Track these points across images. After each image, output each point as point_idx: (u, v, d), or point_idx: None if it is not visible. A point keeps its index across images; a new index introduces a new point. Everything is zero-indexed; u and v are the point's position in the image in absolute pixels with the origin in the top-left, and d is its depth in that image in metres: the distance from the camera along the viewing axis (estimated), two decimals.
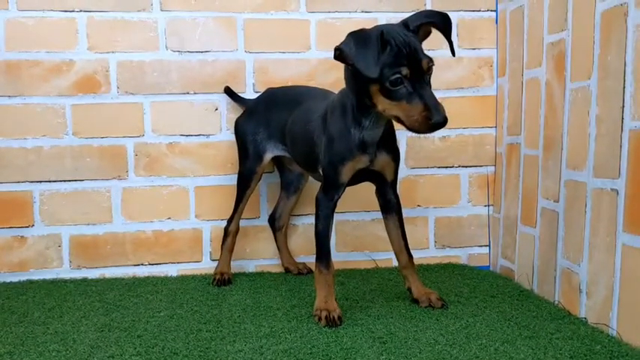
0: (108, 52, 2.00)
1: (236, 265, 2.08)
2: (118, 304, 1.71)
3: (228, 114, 2.06)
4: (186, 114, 2.05)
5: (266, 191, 2.11)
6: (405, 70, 1.35)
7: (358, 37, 1.39)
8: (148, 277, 2.02)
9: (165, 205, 2.06)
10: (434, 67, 1.40)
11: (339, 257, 2.14)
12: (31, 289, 1.87)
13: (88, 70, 1.99)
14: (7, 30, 1.95)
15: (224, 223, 2.05)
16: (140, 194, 2.04)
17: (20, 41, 1.96)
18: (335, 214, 2.15)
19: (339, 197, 1.61)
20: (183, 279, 2.00)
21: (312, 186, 2.04)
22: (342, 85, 2.11)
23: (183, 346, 1.35)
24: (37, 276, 1.99)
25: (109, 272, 2.03)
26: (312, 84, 2.10)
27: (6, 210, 1.97)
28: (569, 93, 1.67)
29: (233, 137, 2.05)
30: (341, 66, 2.09)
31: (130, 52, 2.01)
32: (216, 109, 2.06)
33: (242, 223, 2.05)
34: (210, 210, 2.08)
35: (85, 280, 1.98)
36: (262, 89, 2.06)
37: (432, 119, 1.33)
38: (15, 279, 1.97)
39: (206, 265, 2.09)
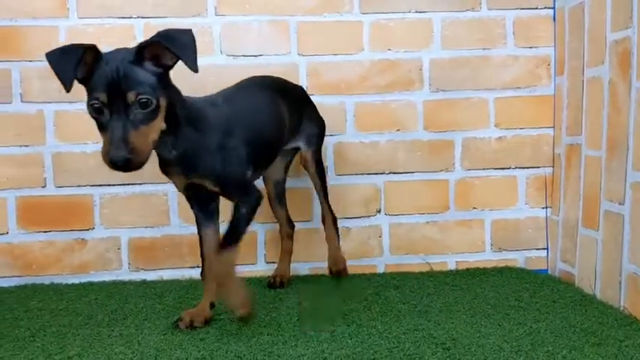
0: None
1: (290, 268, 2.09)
2: (177, 306, 1.73)
3: None
4: None
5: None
6: (102, 97, 1.23)
7: (63, 49, 1.30)
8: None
9: (221, 208, 2.07)
10: (150, 99, 1.25)
11: (393, 260, 2.12)
12: (93, 291, 1.91)
13: None
14: (68, 38, 2.00)
15: (276, 226, 2.07)
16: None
17: None
18: (388, 217, 2.15)
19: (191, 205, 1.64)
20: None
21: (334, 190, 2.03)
22: (396, 87, 2.11)
23: (246, 350, 1.36)
24: (97, 278, 2.04)
25: (167, 274, 2.07)
26: (365, 86, 2.09)
27: (67, 213, 2.02)
28: (634, 92, 1.61)
29: None
30: (396, 67, 2.11)
31: None
32: None
33: (297, 226, 2.06)
34: (265, 213, 2.09)
35: (144, 282, 2.02)
36: (315, 92, 2.07)
37: (109, 155, 1.21)
38: (76, 280, 2.02)
39: (261, 268, 2.10)
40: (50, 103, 2.00)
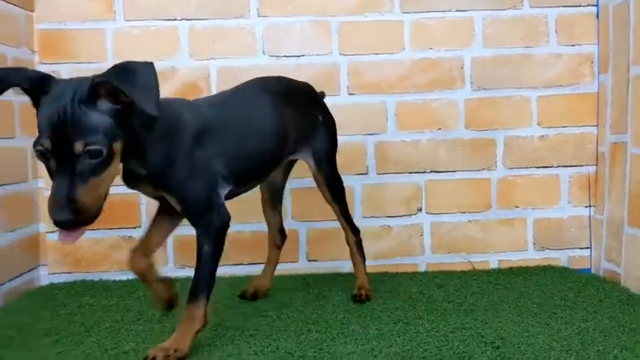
0: (208, 59, 2.07)
1: (332, 266, 2.11)
2: (224, 302, 1.76)
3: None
4: None
5: (360, 191, 2.12)
6: (47, 144, 1.07)
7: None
8: (247, 276, 2.07)
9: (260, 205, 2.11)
10: (101, 149, 1.10)
11: (434, 259, 2.13)
12: (141, 287, 1.95)
13: (190, 76, 2.07)
14: (115, 40, 2.05)
15: (320, 225, 2.10)
16: (240, 196, 2.09)
17: (127, 50, 2.05)
18: (430, 215, 2.13)
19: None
20: (280, 279, 2.03)
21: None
22: (437, 85, 2.11)
23: (296, 346, 1.38)
24: None
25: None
26: (406, 85, 2.10)
27: (115, 212, 2.07)
28: None
29: None
30: (437, 66, 2.11)
31: (229, 57, 2.07)
32: None
33: (336, 224, 2.08)
34: (307, 211, 2.11)
35: (189, 278, 2.02)
36: (356, 91, 2.08)
37: (52, 215, 1.07)
38: (124, 277, 2.07)
39: (302, 266, 2.12)
40: None
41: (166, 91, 2.05)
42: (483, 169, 2.12)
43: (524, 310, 1.63)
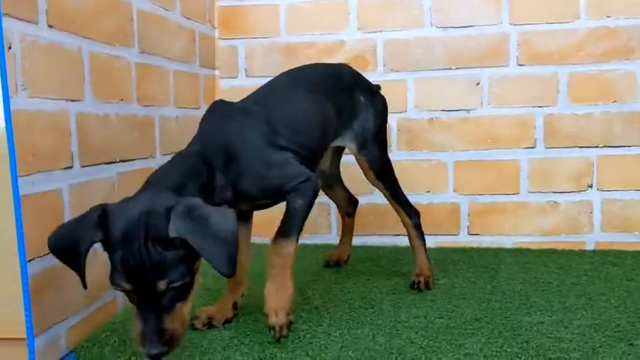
0: (375, 32, 2.10)
1: (494, 241, 2.09)
2: (393, 269, 1.81)
3: (490, 88, 2.06)
4: (447, 89, 2.08)
5: (527, 166, 2.06)
6: (126, 287, 1.00)
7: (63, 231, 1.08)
8: (406, 247, 2.10)
9: (424, 178, 2.12)
10: (184, 282, 1.02)
11: (604, 238, 2.03)
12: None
13: (358, 49, 2.11)
14: (287, 15, 2.13)
15: (482, 198, 2.08)
16: (401, 168, 2.10)
17: (298, 25, 2.13)
18: (600, 192, 2.04)
19: None
20: (441, 251, 2.05)
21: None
22: (614, 56, 1.99)
23: (481, 313, 1.39)
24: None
25: (371, 240, 2.15)
26: (580, 55, 2.01)
27: None
28: None
29: (495, 112, 2.05)
30: (614, 35, 2.00)
31: (396, 30, 2.09)
32: (478, 84, 2.06)
33: (501, 198, 2.06)
34: (469, 185, 2.10)
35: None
36: (526, 62, 2.03)
37: (144, 350, 1.01)
38: None
39: (463, 239, 2.12)
40: (271, 77, 2.15)
41: None
42: None
43: None
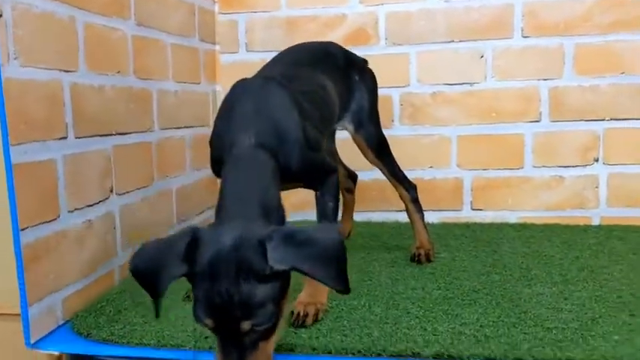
0: (377, 5, 2.06)
1: (498, 216, 2.06)
2: (394, 244, 1.80)
3: (494, 61, 2.02)
4: (450, 62, 2.05)
5: (531, 140, 2.03)
6: (209, 323, 0.92)
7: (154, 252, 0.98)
8: (409, 223, 2.08)
9: (427, 153, 2.10)
10: (270, 324, 0.92)
11: (610, 213, 2.00)
12: None
13: (359, 22, 2.08)
14: None
15: (486, 173, 2.06)
16: (403, 143, 2.09)
17: None
18: (607, 166, 2.00)
19: None
20: (444, 226, 2.03)
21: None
22: (622, 26, 1.95)
23: (479, 285, 1.38)
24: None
25: (375, 216, 2.14)
26: (587, 26, 1.96)
27: None
28: None
29: (499, 85, 2.02)
30: (622, 5, 1.95)
31: (397, 3, 2.05)
32: (482, 57, 2.03)
33: (505, 173, 2.04)
34: (473, 159, 2.07)
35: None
36: (531, 33, 1.99)
37: None
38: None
39: (466, 214, 2.10)
40: (271, 52, 2.13)
41: (336, 38, 2.07)
42: None
43: None
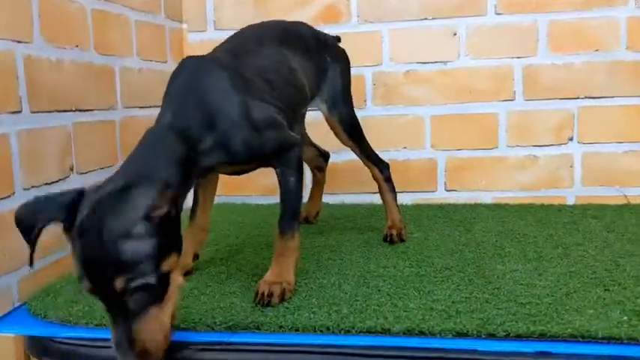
0: None
1: (472, 197, 2.04)
2: (367, 225, 1.76)
3: (467, 39, 1.99)
4: (423, 40, 2.01)
5: (505, 119, 2.01)
6: (86, 284, 0.88)
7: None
8: (382, 205, 2.05)
9: (400, 134, 2.06)
10: (149, 282, 0.88)
11: (585, 192, 1.99)
12: None
13: (330, 0, 2.03)
14: None
15: (460, 154, 2.03)
16: (376, 123, 2.06)
17: None
18: (581, 145, 1.99)
19: None
20: (417, 207, 2.00)
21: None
22: (596, 3, 1.91)
23: (452, 263, 1.35)
24: None
25: (348, 198, 2.10)
26: (560, 2, 1.94)
27: None
28: None
29: (472, 63, 1.99)
30: None
31: None
32: (455, 34, 2.00)
33: (479, 153, 2.01)
34: (447, 140, 2.04)
35: (326, 204, 2.05)
36: (504, 10, 1.96)
37: None
38: (264, 202, 2.12)
39: (440, 195, 2.07)
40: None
41: (307, 16, 2.02)
42: None
43: None
